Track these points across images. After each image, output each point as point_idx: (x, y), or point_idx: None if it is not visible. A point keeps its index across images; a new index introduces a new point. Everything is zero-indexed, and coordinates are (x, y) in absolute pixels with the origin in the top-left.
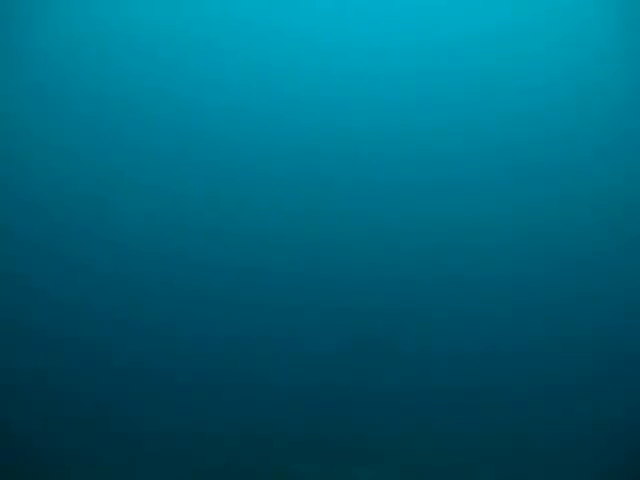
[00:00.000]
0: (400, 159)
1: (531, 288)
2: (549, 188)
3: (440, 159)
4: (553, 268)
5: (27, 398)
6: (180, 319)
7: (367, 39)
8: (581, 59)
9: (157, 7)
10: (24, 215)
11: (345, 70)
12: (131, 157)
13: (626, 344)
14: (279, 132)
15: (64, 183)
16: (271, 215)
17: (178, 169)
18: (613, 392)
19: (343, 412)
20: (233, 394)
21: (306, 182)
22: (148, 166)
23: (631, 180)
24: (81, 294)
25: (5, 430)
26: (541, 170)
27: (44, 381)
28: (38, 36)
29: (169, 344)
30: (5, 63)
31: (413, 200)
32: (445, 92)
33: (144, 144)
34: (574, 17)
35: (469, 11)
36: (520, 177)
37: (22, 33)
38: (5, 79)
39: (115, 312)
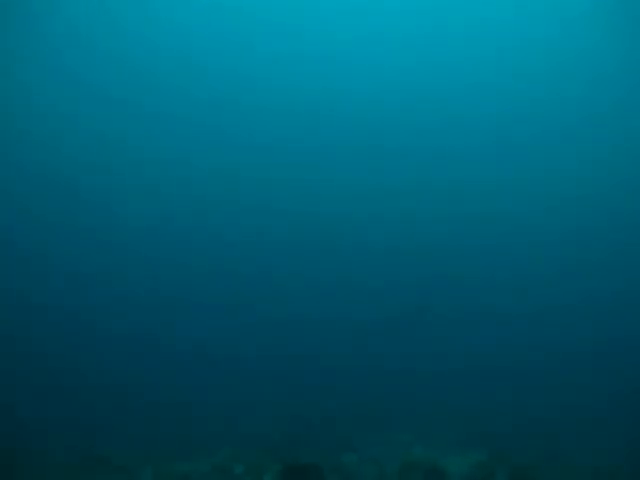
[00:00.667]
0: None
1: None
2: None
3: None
4: (580, 250)
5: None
6: (237, 302)
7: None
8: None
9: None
10: (23, 210)
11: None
12: (133, 153)
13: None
14: (297, 125)
15: (67, 176)
16: (324, 196)
17: (180, 165)
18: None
19: (396, 380)
20: (289, 365)
21: (354, 164)
22: (150, 162)
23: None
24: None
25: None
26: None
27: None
28: (46, 29)
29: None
30: (8, 59)
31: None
32: (454, 92)
33: (147, 140)
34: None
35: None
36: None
37: (28, 27)
38: (8, 75)
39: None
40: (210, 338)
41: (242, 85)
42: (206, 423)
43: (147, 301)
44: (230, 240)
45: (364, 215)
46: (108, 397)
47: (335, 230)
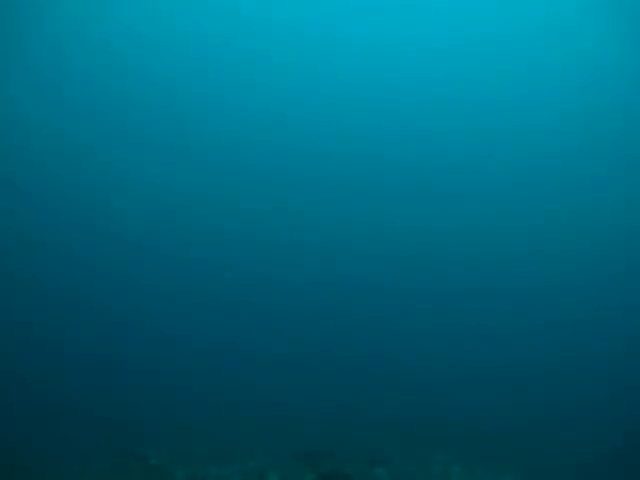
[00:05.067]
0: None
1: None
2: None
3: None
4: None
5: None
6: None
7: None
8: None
9: (159, 6)
10: (27, 210)
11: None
12: (132, 154)
13: None
14: (292, 133)
15: (68, 177)
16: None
17: (178, 165)
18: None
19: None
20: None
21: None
22: (148, 163)
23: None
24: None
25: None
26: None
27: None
28: (42, 34)
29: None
30: (7, 61)
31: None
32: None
33: (145, 141)
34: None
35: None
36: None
37: (26, 31)
38: (8, 78)
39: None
40: (249, 341)
41: (240, 81)
42: (240, 428)
43: (175, 305)
44: (256, 241)
45: (380, 224)
46: (147, 396)
47: (362, 235)
